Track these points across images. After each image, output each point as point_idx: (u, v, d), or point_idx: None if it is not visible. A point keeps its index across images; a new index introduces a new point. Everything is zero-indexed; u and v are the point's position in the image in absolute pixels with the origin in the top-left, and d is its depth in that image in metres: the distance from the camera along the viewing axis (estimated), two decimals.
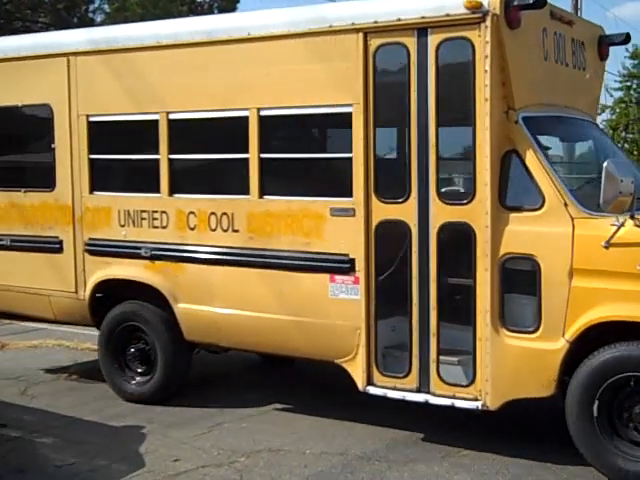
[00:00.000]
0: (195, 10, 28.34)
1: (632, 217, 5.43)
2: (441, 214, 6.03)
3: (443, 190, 6.14)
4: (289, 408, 7.32)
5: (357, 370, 6.44)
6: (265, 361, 8.76)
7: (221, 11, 28.72)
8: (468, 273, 5.97)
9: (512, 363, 5.83)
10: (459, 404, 6.06)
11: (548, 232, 5.69)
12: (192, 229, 7.13)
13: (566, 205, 5.66)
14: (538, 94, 6.21)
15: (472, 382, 6.02)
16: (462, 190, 6.64)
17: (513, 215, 5.83)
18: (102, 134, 7.66)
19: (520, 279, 5.89)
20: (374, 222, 6.29)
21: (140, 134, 7.55)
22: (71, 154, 7.72)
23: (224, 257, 6.98)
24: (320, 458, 6.13)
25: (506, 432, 6.53)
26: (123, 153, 7.66)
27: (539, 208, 5.78)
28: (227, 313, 7.01)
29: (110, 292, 7.74)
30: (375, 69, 6.17)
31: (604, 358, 5.51)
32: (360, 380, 6.43)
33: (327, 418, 6.96)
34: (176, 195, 7.22)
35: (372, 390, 6.40)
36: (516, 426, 6.68)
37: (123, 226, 7.51)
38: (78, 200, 7.73)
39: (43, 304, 8.05)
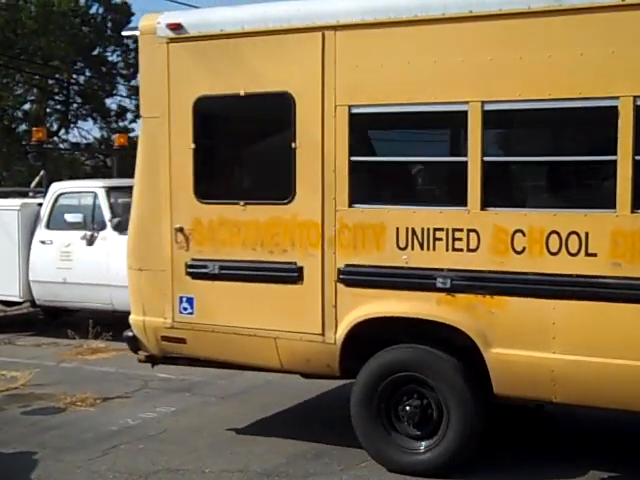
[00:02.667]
0: None
1: None
2: None
3: None
4: (186, 427, 7.15)
5: None
6: None
7: None
8: None
9: None
10: None
11: None
12: (519, 252, 5.51)
13: None
14: None
15: None
16: None
17: None
18: (371, 129, 5.96)
19: None
20: None
21: (431, 129, 5.91)
22: (322, 156, 5.96)
23: (573, 288, 5.40)
24: (220, 476, 5.99)
25: None
26: (404, 154, 5.99)
27: None
28: (574, 360, 5.42)
29: (370, 334, 5.99)
30: None
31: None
32: None
33: (225, 435, 6.85)
34: (491, 208, 5.58)
35: None
36: None
37: (404, 249, 5.81)
38: (330, 215, 5.98)
39: (266, 349, 6.23)
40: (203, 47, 6.31)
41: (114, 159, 15.17)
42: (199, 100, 6.33)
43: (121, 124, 33.03)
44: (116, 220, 11.05)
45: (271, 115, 6.31)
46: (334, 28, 5.92)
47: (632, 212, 5.24)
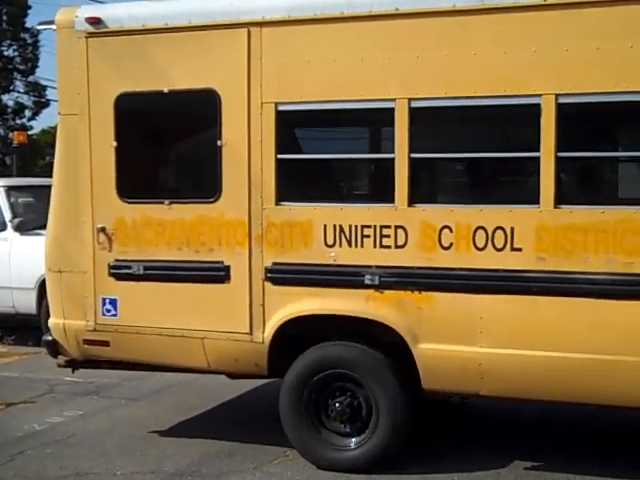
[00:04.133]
0: None
1: None
2: None
3: None
4: (95, 430, 6.99)
5: None
6: None
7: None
8: None
9: None
10: None
11: None
12: (446, 248, 5.58)
13: None
14: None
15: None
16: None
17: None
18: (298, 127, 5.94)
19: None
20: None
21: (358, 126, 5.92)
22: (249, 154, 5.92)
23: (499, 283, 5.50)
24: (132, 478, 5.89)
25: None
26: (331, 152, 5.99)
27: None
28: (500, 353, 5.52)
29: (299, 333, 5.98)
30: None
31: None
32: None
33: (136, 436, 6.74)
34: (419, 205, 5.64)
35: None
36: None
37: (332, 246, 5.81)
38: (257, 213, 5.94)
39: (193, 350, 6.15)
40: (124, 42, 6.19)
41: (13, 157, 14.72)
42: (121, 97, 6.20)
43: (19, 121, 32.17)
44: (17, 220, 10.73)
45: (196, 112, 6.23)
46: (260, 24, 5.88)
47: (555, 207, 5.36)
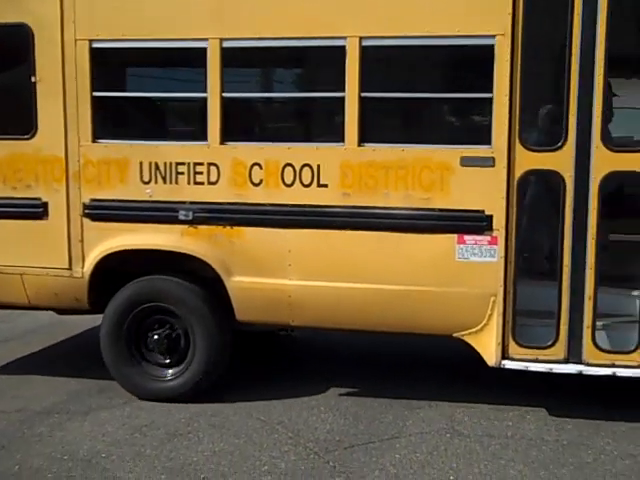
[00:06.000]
0: None
1: None
2: (605, 163, 5.35)
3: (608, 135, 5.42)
4: None
5: (488, 343, 5.62)
6: None
7: None
8: (638, 228, 5.38)
9: None
10: (622, 373, 5.49)
11: None
12: (256, 185, 5.78)
13: None
14: None
15: (637, 348, 5.46)
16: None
17: None
18: (114, 65, 5.97)
19: None
20: (517, 173, 5.45)
21: (173, 65, 6.01)
22: (64, 91, 5.93)
23: (306, 218, 5.74)
24: None
25: None
26: (147, 90, 6.07)
27: None
28: (308, 285, 5.80)
29: (119, 267, 6.11)
30: None
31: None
32: (492, 354, 5.62)
33: (3, 375, 6.75)
34: (230, 143, 5.80)
35: (509, 364, 5.62)
36: None
37: (147, 183, 5.93)
38: (74, 150, 5.99)
39: (13, 285, 6.20)
40: None
41: None
42: None
43: None
44: None
45: (9, 48, 6.14)
46: None
47: (359, 146, 5.61)
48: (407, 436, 5.47)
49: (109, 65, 6.10)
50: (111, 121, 6.15)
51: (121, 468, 5.02)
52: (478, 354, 5.68)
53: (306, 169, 5.68)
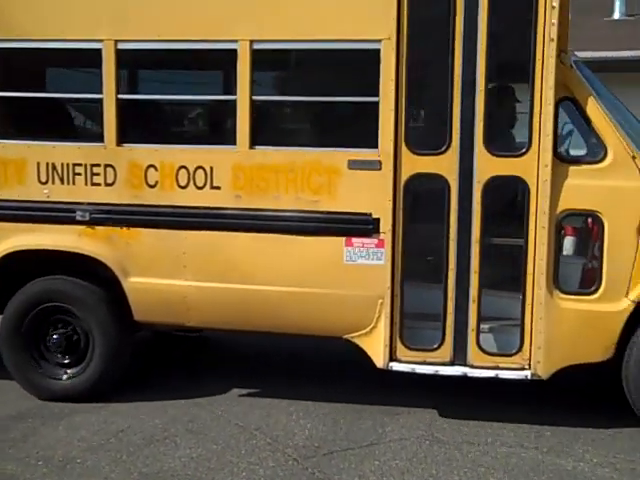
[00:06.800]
0: None
1: None
2: (487, 167, 5.42)
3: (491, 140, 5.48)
4: None
5: (376, 345, 5.68)
6: None
7: None
8: (518, 232, 5.44)
9: (568, 328, 5.43)
10: (504, 375, 5.56)
11: (615, 186, 5.33)
12: (152, 186, 5.84)
13: (634, 158, 5.33)
14: None
15: (519, 350, 5.52)
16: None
17: (572, 168, 5.38)
18: (15, 65, 6.02)
19: (579, 237, 5.49)
20: (403, 176, 5.52)
21: (71, 66, 6.06)
22: None
23: (200, 219, 5.80)
24: None
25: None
26: (45, 90, 6.12)
27: (601, 160, 5.38)
28: (203, 286, 5.85)
29: (18, 268, 6.15)
30: None
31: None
32: (380, 356, 5.68)
33: None
34: (127, 145, 5.86)
35: (396, 366, 5.68)
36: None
37: (45, 183, 5.98)
38: None
39: None
40: None
41: None
42: None
43: None
44: None
45: None
46: None
47: (250, 148, 5.67)
48: (386, 442, 5.43)
49: (11, 66, 6.14)
50: (9, 121, 6.20)
51: (97, 474, 4.94)
52: (368, 356, 5.72)
53: (200, 171, 5.75)
